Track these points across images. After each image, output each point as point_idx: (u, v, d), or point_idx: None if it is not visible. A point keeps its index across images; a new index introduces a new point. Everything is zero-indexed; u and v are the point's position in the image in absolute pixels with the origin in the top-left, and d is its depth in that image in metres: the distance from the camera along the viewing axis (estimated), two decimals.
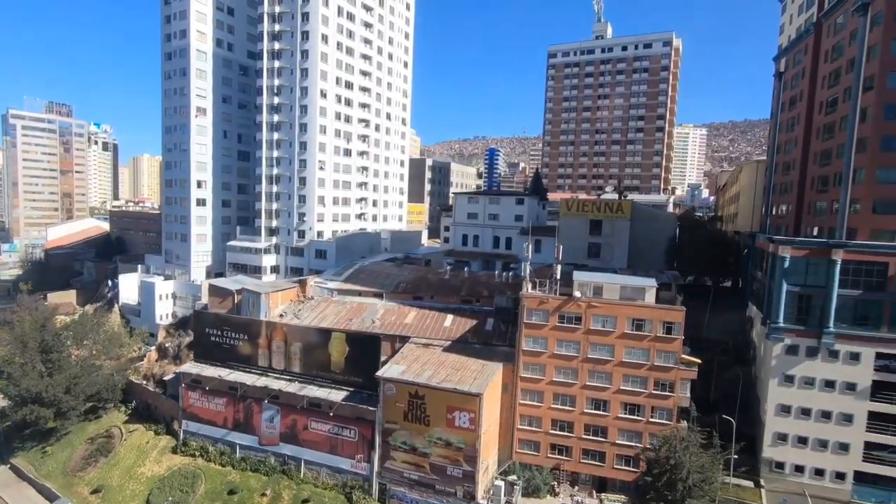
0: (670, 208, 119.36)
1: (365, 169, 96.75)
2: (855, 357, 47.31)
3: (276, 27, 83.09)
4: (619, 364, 52.92)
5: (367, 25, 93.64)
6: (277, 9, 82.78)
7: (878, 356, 46.97)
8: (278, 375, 60.96)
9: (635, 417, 53.03)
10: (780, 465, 49.98)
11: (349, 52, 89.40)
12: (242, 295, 68.10)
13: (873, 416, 47.60)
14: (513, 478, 55.15)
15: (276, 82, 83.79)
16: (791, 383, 49.16)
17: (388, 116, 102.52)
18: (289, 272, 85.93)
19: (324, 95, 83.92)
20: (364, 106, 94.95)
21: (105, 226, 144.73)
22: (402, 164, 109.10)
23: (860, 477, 48.16)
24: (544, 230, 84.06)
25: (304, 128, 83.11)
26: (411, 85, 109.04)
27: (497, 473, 55.71)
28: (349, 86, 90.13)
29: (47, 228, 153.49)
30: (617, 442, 53.51)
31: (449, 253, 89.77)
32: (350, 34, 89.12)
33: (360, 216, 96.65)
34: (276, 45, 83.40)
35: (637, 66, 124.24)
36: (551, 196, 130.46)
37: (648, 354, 52.08)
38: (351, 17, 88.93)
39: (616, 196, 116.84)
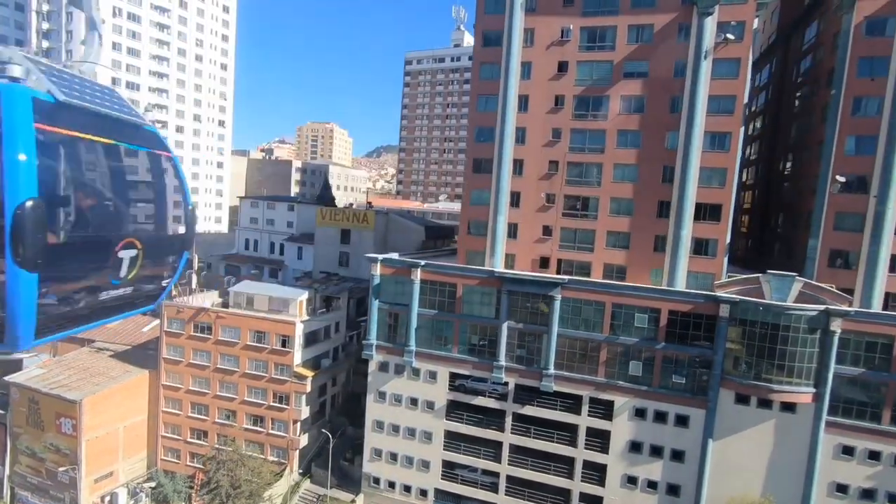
0: None
1: None
2: (433, 376, 47.90)
3: (45, 25, 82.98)
4: (243, 375, 53.29)
5: (162, 27, 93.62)
6: (45, 7, 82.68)
7: (452, 376, 47.58)
8: None
9: (258, 429, 53.45)
10: (377, 481, 50.52)
11: (133, 52, 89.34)
12: None
13: (450, 436, 48.21)
14: (151, 484, 55.49)
15: None
16: (384, 400, 49.70)
17: (197, 118, 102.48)
18: None
19: None
20: (160, 107, 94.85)
21: None
22: (219, 165, 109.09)
23: (440, 495, 48.75)
24: (308, 237, 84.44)
25: None
26: (232, 87, 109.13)
27: (140, 480, 55.92)
28: (133, 86, 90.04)
29: None
30: (242, 452, 53.80)
31: (227, 257, 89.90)
32: (134, 35, 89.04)
33: None
34: (45, 44, 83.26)
35: None
36: (404, 203, 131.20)
37: (267, 367, 52.48)
38: (135, 18, 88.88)
39: (450, 203, 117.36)
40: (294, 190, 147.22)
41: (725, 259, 42.92)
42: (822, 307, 37.20)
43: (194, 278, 57.01)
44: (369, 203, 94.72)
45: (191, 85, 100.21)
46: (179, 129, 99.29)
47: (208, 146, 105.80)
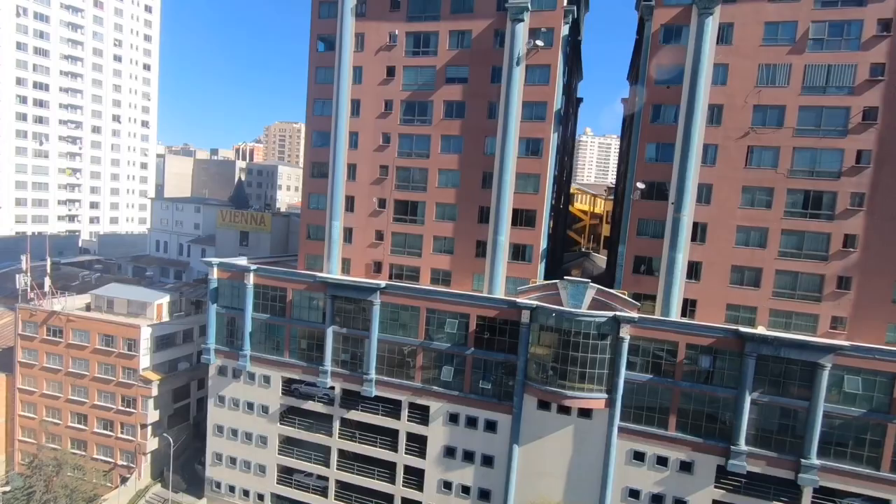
0: None
1: (76, 170, 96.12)
2: (267, 380, 47.81)
3: None
4: (93, 379, 53.03)
5: (75, 27, 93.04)
6: None
7: (286, 381, 47.52)
8: None
9: (108, 433, 53.24)
10: (219, 485, 50.41)
11: (41, 52, 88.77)
12: None
13: (284, 440, 48.19)
14: (7, 488, 55.15)
15: None
16: (223, 404, 49.59)
17: (117, 118, 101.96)
18: None
19: None
20: (73, 107, 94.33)
21: None
22: (143, 166, 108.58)
23: (276, 499, 48.71)
24: (213, 239, 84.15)
25: None
26: (156, 87, 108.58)
27: None
28: (42, 87, 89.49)
29: None
30: (95, 457, 53.65)
31: (135, 258, 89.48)
32: (42, 35, 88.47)
33: (68, 217, 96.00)
34: None
35: None
36: None
37: (115, 370, 52.26)
38: (43, 17, 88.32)
39: None
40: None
41: (542, 264, 43.05)
42: (611, 314, 37.37)
43: (47, 281, 56.60)
44: (267, 205, 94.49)
45: (109, 85, 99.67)
46: (96, 130, 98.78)
47: (130, 146, 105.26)
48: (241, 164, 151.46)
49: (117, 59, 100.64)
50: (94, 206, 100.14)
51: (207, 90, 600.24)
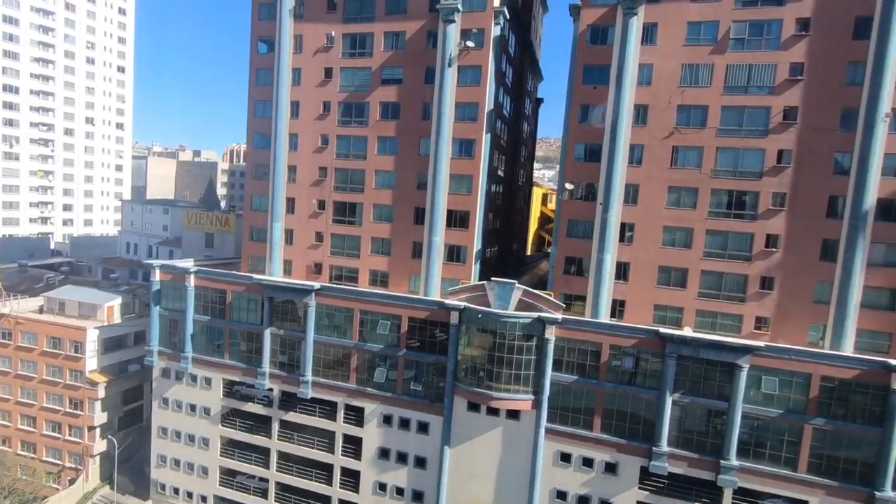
0: None
1: (48, 173, 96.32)
2: (209, 382, 47.81)
3: None
4: (42, 381, 53.10)
5: (46, 30, 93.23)
6: None
7: (228, 382, 47.53)
8: None
9: (56, 435, 53.31)
10: (164, 487, 50.44)
11: (11, 55, 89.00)
12: None
13: (226, 442, 48.21)
14: None
15: None
16: (167, 406, 49.60)
17: (91, 120, 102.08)
18: None
19: None
20: (45, 110, 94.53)
21: None
22: (118, 167, 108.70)
23: (219, 501, 48.71)
24: (179, 241, 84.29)
25: None
26: (131, 89, 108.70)
27: None
28: (12, 89, 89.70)
29: None
30: (44, 459, 53.76)
31: (104, 260, 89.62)
32: (11, 38, 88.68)
33: (40, 220, 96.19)
34: None
35: None
36: None
37: (62, 372, 52.32)
38: (12, 20, 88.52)
39: None
40: (220, 192, 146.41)
41: (476, 265, 43.00)
42: (536, 315, 37.27)
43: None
44: (232, 207, 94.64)
45: (81, 87, 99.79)
46: (69, 132, 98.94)
47: (104, 148, 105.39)
48: (223, 165, 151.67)
49: (90, 61, 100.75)
50: (67, 208, 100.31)
51: (206, 91, 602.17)
